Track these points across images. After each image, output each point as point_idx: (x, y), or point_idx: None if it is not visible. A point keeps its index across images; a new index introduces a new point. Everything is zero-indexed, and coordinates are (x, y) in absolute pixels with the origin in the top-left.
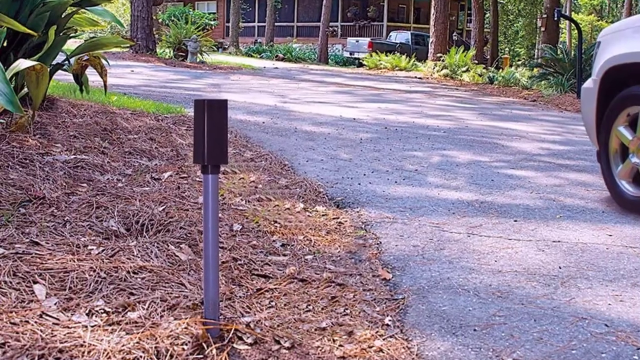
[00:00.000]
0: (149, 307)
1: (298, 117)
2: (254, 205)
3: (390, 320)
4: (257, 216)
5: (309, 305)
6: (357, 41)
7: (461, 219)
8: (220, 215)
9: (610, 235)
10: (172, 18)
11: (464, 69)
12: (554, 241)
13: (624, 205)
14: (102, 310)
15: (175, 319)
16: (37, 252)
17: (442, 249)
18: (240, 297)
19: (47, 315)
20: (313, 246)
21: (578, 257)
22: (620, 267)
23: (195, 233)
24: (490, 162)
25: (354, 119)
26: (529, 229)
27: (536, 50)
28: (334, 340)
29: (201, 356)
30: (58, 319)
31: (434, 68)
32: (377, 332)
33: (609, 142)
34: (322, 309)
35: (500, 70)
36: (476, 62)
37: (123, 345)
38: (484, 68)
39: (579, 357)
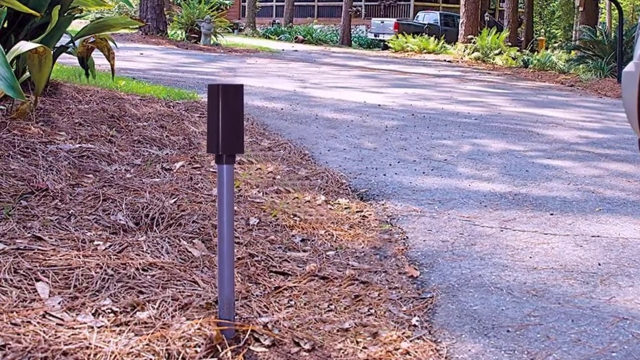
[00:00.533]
0: (159, 306)
1: (319, 103)
2: (271, 197)
3: (417, 321)
4: (275, 209)
5: (331, 304)
6: (382, 22)
7: (493, 212)
8: (235, 208)
9: None
10: None
11: (497, 51)
12: (592, 236)
13: None
14: (110, 310)
15: (187, 319)
16: (40, 247)
17: (473, 245)
18: (257, 295)
19: (50, 315)
20: (335, 241)
21: (619, 253)
22: None
23: (209, 227)
24: (524, 152)
25: (379, 105)
26: (566, 223)
27: (574, 32)
28: (357, 342)
29: (215, 359)
30: (62, 319)
31: (464, 51)
32: (403, 333)
33: None
34: (345, 308)
35: (536, 53)
36: (509, 44)
37: (132, 348)
38: (517, 51)
39: None
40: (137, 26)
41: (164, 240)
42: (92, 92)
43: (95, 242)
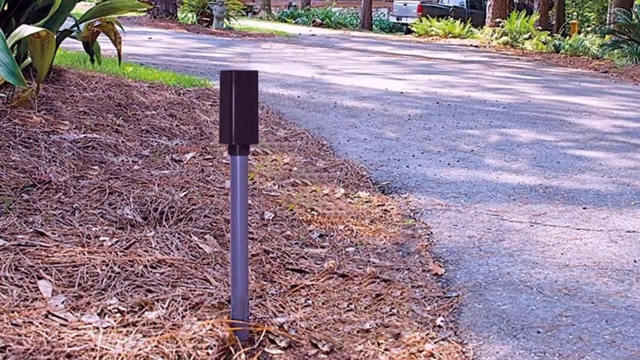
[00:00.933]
0: (168, 306)
1: (338, 91)
2: (288, 190)
3: (442, 321)
4: (292, 203)
5: (351, 304)
6: (405, 4)
7: (523, 206)
8: (249, 201)
9: None
10: None
11: (526, 36)
12: (628, 231)
13: None
14: (116, 310)
15: (198, 320)
16: (42, 243)
17: (501, 240)
18: (272, 294)
19: (53, 315)
20: (355, 237)
21: None
22: None
23: (222, 222)
24: (555, 142)
25: (402, 92)
26: (600, 218)
27: (608, 15)
28: (378, 344)
29: None
30: (66, 320)
31: (492, 35)
32: (427, 334)
33: None
34: (365, 308)
35: (567, 37)
36: (540, 28)
37: (139, 350)
38: (548, 35)
39: None
40: (145, 9)
41: (174, 236)
42: (98, 79)
43: (101, 238)
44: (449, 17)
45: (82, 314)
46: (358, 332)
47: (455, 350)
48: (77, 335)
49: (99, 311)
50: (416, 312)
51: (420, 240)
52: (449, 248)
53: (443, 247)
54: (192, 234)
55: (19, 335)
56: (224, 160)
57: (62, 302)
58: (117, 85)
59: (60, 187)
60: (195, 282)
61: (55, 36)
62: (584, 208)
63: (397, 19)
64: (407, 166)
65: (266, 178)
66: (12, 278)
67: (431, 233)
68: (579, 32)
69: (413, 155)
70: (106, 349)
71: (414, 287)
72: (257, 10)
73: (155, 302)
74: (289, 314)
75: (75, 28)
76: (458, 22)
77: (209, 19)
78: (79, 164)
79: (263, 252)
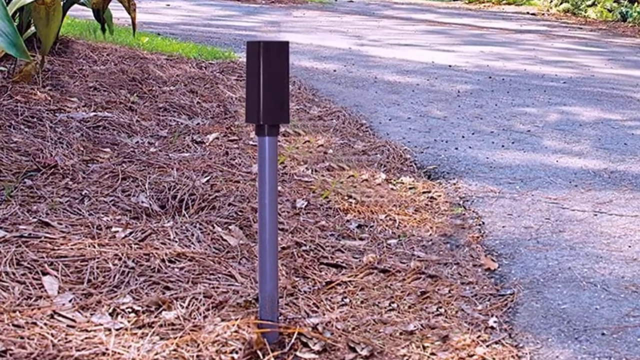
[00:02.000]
0: (189, 305)
1: (378, 64)
2: (322, 175)
3: (495, 322)
4: (327, 190)
5: (393, 302)
6: None
7: (586, 193)
8: (279, 188)
9: None
10: None
11: (589, 2)
12: None
13: None
14: (130, 309)
15: (222, 320)
16: (48, 235)
17: (561, 232)
18: (305, 292)
19: (59, 315)
20: (398, 228)
21: None
22: None
23: (248, 211)
24: (622, 121)
25: (450, 66)
26: None
27: None
28: (424, 347)
29: None
30: (74, 320)
31: (550, 2)
32: (478, 336)
33: None
34: (409, 307)
35: (636, 4)
36: None
37: (156, 354)
38: (614, 1)
39: None
40: None
41: (195, 227)
42: (110, 51)
43: (113, 229)
44: None
45: (91, 314)
46: (401, 334)
47: (509, 354)
48: (86, 338)
49: (110, 311)
50: (466, 311)
51: (471, 232)
52: (502, 240)
53: (496, 239)
54: (215, 225)
55: (21, 337)
56: (250, 142)
57: (70, 301)
58: (132, 58)
59: (68, 171)
60: (218, 279)
61: (61, 3)
62: None
63: None
64: (456, 148)
65: (298, 162)
66: (13, 274)
67: (483, 223)
68: None
69: (463, 136)
70: (119, 353)
71: (464, 284)
72: None
73: (174, 301)
74: (324, 314)
75: None
76: None
77: None
78: (88, 146)
79: (295, 245)
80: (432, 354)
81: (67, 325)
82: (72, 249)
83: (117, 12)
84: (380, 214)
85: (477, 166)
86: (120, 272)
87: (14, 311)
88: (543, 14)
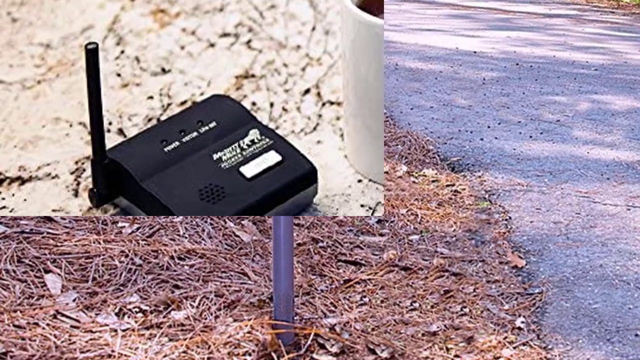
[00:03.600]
0: (199, 304)
1: (399, 50)
2: None
3: (523, 322)
4: None
5: (415, 302)
6: None
7: (618, 187)
8: None
9: None
10: None
11: None
12: None
13: None
14: (137, 309)
15: (234, 321)
16: (50, 230)
17: (592, 227)
18: (322, 291)
19: (63, 315)
20: (420, 223)
21: None
22: None
23: None
24: None
25: (475, 52)
26: None
27: None
28: (447, 349)
29: None
30: (78, 321)
31: None
32: (505, 338)
33: None
34: (432, 307)
35: None
36: None
37: (165, 356)
38: None
39: None
40: None
41: (206, 222)
42: None
43: (120, 224)
44: None
45: (96, 314)
46: (423, 335)
47: (538, 356)
48: (91, 339)
49: (116, 310)
50: (492, 311)
51: (497, 227)
52: (530, 236)
53: (524, 235)
54: (227, 220)
55: (23, 339)
56: None
57: (74, 300)
58: None
59: None
60: (230, 277)
61: None
62: None
63: None
64: (482, 139)
65: None
66: (14, 271)
67: (510, 218)
68: None
69: (488, 126)
70: (125, 355)
71: (490, 282)
72: None
73: (184, 300)
74: (342, 314)
75: None
76: None
77: None
78: None
79: (311, 241)
80: (456, 356)
81: (71, 326)
82: (76, 245)
83: None
84: (402, 209)
85: (504, 158)
86: (126, 270)
87: (15, 311)
88: None
